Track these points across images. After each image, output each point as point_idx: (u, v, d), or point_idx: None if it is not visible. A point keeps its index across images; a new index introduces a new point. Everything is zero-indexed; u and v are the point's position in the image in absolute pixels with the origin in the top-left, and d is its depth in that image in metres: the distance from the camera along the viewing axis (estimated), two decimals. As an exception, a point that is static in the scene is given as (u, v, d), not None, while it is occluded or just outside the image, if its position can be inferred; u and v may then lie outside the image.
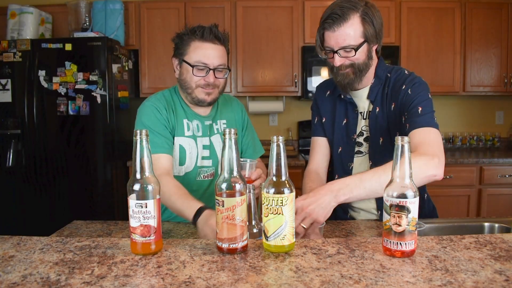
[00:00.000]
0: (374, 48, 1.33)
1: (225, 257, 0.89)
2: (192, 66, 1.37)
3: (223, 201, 0.87)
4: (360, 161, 1.41)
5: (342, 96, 1.43)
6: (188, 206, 1.19)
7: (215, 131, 1.51)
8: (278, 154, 0.88)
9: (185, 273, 0.80)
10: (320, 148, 1.51)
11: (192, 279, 0.77)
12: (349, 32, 1.24)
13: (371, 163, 1.38)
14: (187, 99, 1.47)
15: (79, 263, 0.86)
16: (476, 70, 3.38)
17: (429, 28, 3.33)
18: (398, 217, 0.85)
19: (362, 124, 1.41)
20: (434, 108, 1.27)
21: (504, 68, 3.37)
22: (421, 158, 1.11)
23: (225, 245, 0.88)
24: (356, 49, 1.26)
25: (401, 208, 0.85)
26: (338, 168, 1.47)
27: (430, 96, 1.28)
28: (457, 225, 1.38)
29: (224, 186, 0.88)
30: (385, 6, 3.29)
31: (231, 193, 0.87)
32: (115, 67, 2.91)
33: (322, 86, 1.57)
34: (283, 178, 0.89)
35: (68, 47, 2.81)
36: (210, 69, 1.38)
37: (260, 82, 3.37)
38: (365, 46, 1.28)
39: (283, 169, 0.89)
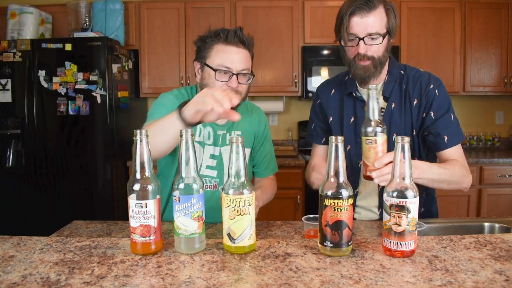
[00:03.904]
0: (391, 42, 1.35)
1: (225, 257, 0.89)
2: (215, 70, 1.30)
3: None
4: None
5: (354, 94, 1.41)
6: (168, 115, 1.12)
7: (227, 142, 1.44)
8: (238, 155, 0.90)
9: (185, 273, 0.80)
10: (323, 153, 1.52)
11: (192, 279, 0.77)
12: (376, 20, 1.26)
13: None
14: None
15: (79, 263, 0.86)
16: (476, 70, 3.38)
17: (429, 28, 3.33)
18: (398, 217, 0.85)
19: None
20: None
21: (504, 68, 3.37)
22: (466, 171, 1.31)
23: None
24: (383, 36, 1.27)
25: (401, 208, 0.85)
26: (347, 166, 1.45)
27: None
28: (457, 225, 1.38)
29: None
30: (385, 6, 3.29)
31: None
32: (115, 67, 2.91)
33: (324, 86, 1.55)
34: (242, 179, 0.90)
35: (68, 47, 2.81)
36: (233, 73, 1.30)
37: (260, 82, 3.36)
38: (386, 37, 1.30)
39: (243, 170, 0.90)
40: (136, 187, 0.89)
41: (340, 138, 0.86)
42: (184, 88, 1.47)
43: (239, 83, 1.32)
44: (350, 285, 0.74)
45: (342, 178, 0.87)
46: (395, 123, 1.36)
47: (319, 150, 1.53)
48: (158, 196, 0.91)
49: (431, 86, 1.35)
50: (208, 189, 1.43)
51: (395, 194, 0.86)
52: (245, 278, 0.77)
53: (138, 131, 0.89)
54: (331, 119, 1.48)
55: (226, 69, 1.30)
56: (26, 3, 3.18)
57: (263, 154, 1.55)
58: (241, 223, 0.88)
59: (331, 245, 0.87)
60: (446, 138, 1.33)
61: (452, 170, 1.26)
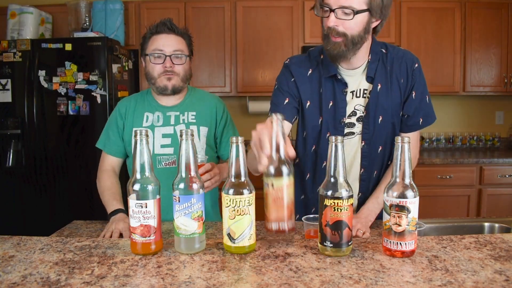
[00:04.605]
0: (374, 23, 1.22)
1: (225, 257, 0.89)
2: (150, 55, 1.49)
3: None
4: (351, 144, 1.33)
5: (339, 77, 1.29)
6: (111, 203, 1.42)
7: (181, 121, 1.56)
8: (238, 157, 0.88)
9: (185, 273, 0.80)
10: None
11: (192, 279, 0.77)
12: None
13: (363, 143, 1.32)
14: (154, 90, 1.57)
15: (79, 263, 0.86)
16: (476, 70, 3.38)
17: (429, 28, 3.33)
18: (398, 217, 0.85)
19: (355, 103, 1.31)
20: None
21: (504, 68, 3.37)
22: (413, 160, 1.27)
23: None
24: (356, 12, 1.13)
25: (401, 208, 0.85)
26: (327, 153, 1.37)
27: None
28: (457, 225, 1.38)
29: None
30: (385, 6, 3.29)
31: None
32: (115, 67, 2.91)
33: (299, 63, 1.37)
34: (243, 179, 0.89)
35: (68, 47, 2.80)
36: (166, 55, 1.47)
37: (260, 82, 3.36)
38: (366, 15, 1.16)
39: (243, 170, 0.89)
40: (136, 187, 0.89)
41: (340, 138, 0.86)
42: (140, 92, 1.65)
43: (173, 63, 1.48)
44: (350, 285, 0.74)
45: (342, 178, 0.87)
46: (382, 105, 1.29)
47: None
48: (158, 196, 0.91)
49: (416, 65, 1.32)
50: (167, 166, 1.52)
51: (395, 194, 0.86)
52: (245, 278, 0.77)
53: (138, 131, 0.89)
54: (308, 104, 1.34)
55: (159, 52, 1.48)
56: (26, 3, 3.18)
57: (227, 137, 1.63)
58: (241, 223, 0.88)
59: (331, 245, 0.87)
60: (421, 120, 1.32)
61: None
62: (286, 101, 1.34)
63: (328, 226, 0.86)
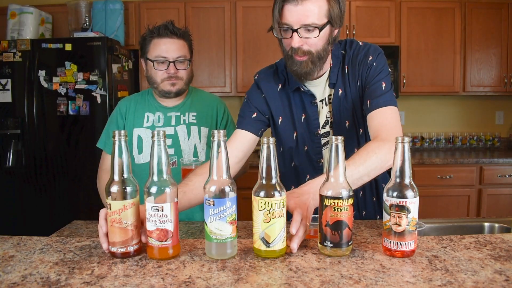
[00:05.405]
0: (335, 33, 1.20)
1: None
2: (153, 61, 1.49)
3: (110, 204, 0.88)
4: None
5: (302, 89, 1.27)
6: None
7: (181, 122, 1.58)
8: (268, 157, 0.86)
9: (185, 273, 0.80)
10: (241, 141, 1.28)
11: (192, 279, 0.77)
12: (313, 9, 1.09)
13: None
14: (156, 93, 1.58)
15: (79, 263, 0.86)
16: (476, 70, 3.38)
17: (429, 28, 3.33)
18: (398, 217, 0.85)
19: (325, 112, 1.29)
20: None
21: (504, 68, 3.37)
22: (385, 146, 1.05)
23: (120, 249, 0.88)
24: (320, 28, 1.11)
25: (401, 208, 0.85)
26: (307, 167, 1.34)
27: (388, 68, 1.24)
28: (457, 225, 1.38)
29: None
30: (385, 6, 3.29)
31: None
32: (115, 67, 2.91)
33: (268, 79, 1.35)
34: (274, 181, 0.87)
35: (68, 47, 2.81)
36: (169, 61, 1.49)
37: (260, 82, 3.37)
38: (327, 28, 1.14)
39: (274, 172, 0.87)
40: (153, 189, 0.85)
41: (340, 138, 0.86)
42: (141, 92, 1.67)
43: (177, 69, 1.50)
44: (350, 285, 0.74)
45: (342, 178, 0.87)
46: (345, 109, 1.25)
47: (246, 135, 1.28)
48: (176, 199, 0.87)
49: (370, 58, 1.22)
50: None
51: (395, 194, 0.86)
52: (245, 278, 0.77)
53: (155, 132, 0.86)
54: (280, 120, 1.33)
55: (163, 59, 1.49)
56: (26, 3, 3.18)
57: (228, 137, 1.61)
58: (276, 226, 0.85)
59: (331, 245, 0.87)
60: (368, 102, 1.17)
61: (364, 161, 1.04)
62: (254, 115, 1.31)
63: (328, 226, 0.87)
